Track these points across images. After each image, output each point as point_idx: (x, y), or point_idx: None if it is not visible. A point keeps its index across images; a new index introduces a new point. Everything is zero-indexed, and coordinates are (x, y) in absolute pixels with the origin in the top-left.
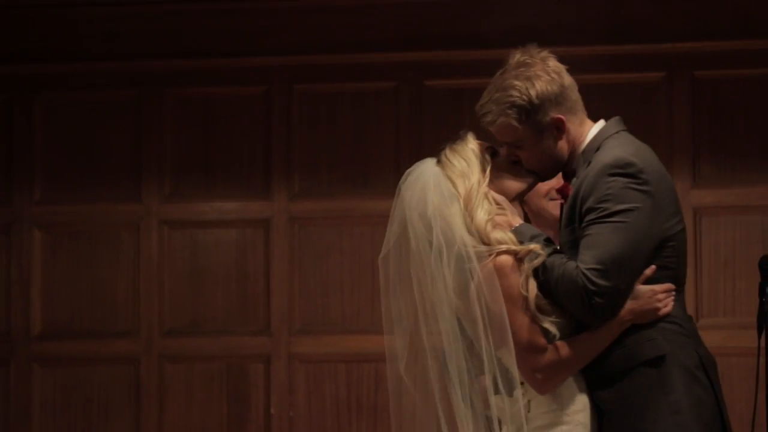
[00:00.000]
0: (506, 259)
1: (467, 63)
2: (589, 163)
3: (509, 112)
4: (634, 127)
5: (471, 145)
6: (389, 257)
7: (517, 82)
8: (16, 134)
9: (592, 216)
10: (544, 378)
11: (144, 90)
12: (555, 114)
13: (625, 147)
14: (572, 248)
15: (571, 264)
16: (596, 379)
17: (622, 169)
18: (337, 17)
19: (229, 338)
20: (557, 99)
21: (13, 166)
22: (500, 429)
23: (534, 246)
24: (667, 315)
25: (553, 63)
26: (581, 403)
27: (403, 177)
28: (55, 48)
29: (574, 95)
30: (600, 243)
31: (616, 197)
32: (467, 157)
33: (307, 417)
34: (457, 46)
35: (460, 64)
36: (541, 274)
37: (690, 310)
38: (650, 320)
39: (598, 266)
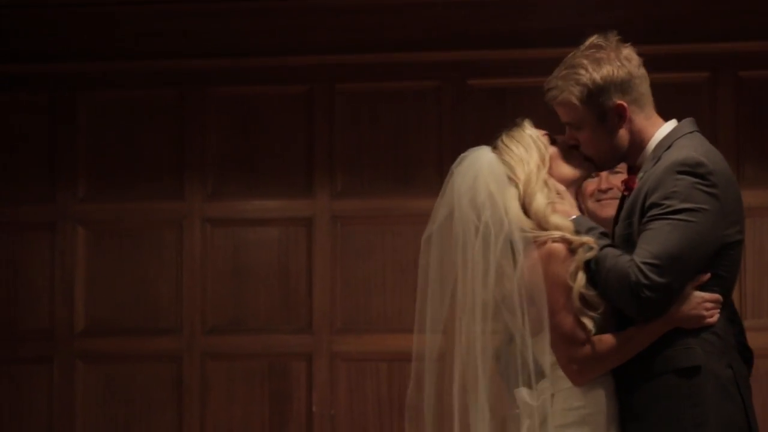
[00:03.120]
0: (559, 247)
1: (510, 62)
2: (658, 159)
3: (573, 89)
4: None
5: (528, 131)
6: (431, 239)
7: (585, 61)
8: (60, 133)
9: (655, 211)
10: (579, 369)
11: (187, 89)
12: (618, 100)
13: (696, 147)
14: (626, 242)
15: (625, 257)
16: (628, 382)
17: (692, 168)
18: (380, 16)
19: (271, 336)
20: (623, 86)
21: (57, 164)
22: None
23: (588, 239)
24: (711, 326)
25: (626, 51)
26: (604, 405)
27: (457, 161)
28: (99, 47)
29: (644, 88)
30: (659, 239)
31: (682, 195)
32: (525, 142)
33: (349, 415)
34: (500, 45)
35: (503, 63)
36: (593, 265)
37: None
38: (693, 327)
39: (654, 261)
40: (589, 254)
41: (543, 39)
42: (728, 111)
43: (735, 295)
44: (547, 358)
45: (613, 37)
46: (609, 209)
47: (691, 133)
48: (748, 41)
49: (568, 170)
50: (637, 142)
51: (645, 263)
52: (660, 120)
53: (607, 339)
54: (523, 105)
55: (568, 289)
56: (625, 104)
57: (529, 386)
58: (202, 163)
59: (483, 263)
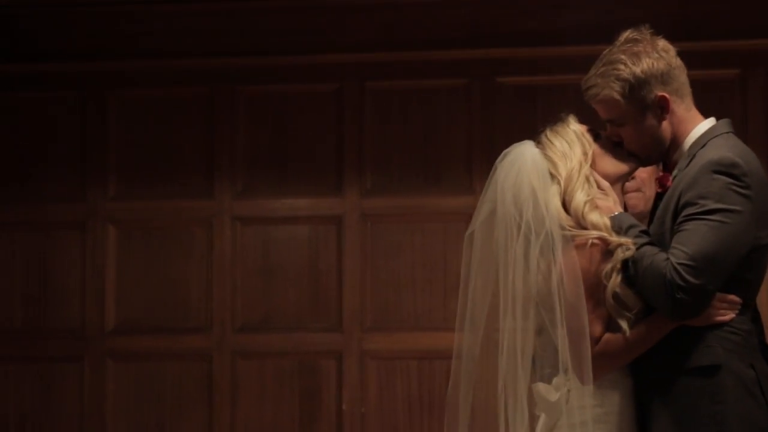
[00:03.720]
0: (596, 247)
1: (539, 60)
2: (693, 157)
3: (613, 85)
4: None
5: (573, 126)
6: (474, 236)
7: (623, 56)
8: (90, 131)
9: (690, 210)
10: (589, 367)
11: (216, 87)
12: (660, 92)
13: (732, 148)
14: (659, 241)
15: (661, 256)
16: (648, 380)
17: (727, 169)
18: (409, 14)
19: (301, 335)
20: (663, 77)
21: (87, 162)
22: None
23: (626, 240)
24: (726, 324)
25: (662, 43)
26: (618, 405)
27: (500, 157)
28: (129, 45)
29: (683, 78)
30: (695, 240)
31: (717, 195)
32: (569, 138)
33: (379, 414)
34: (530, 43)
35: (533, 60)
36: (630, 263)
37: (764, 314)
38: (703, 324)
39: (690, 262)
40: (627, 254)
41: (572, 36)
42: (759, 108)
43: (765, 299)
44: (569, 355)
45: (647, 30)
46: (634, 200)
47: (726, 133)
48: None
49: (612, 166)
50: (677, 136)
51: (681, 264)
52: (699, 115)
53: (617, 337)
54: (553, 103)
55: (597, 288)
56: (667, 95)
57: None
58: (231, 162)
59: (524, 261)
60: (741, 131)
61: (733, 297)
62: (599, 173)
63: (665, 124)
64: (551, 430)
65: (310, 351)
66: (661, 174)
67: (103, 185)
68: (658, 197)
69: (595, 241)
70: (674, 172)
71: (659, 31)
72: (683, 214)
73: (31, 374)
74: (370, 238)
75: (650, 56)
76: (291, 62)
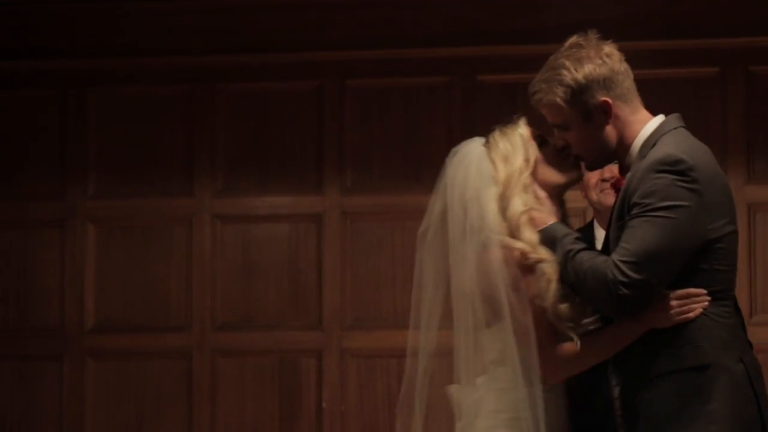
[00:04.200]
0: (520, 259)
1: (520, 58)
2: (644, 158)
3: (556, 90)
4: (688, 122)
5: (521, 129)
6: (427, 234)
7: (567, 62)
8: (70, 129)
9: (635, 210)
10: (553, 369)
11: (197, 85)
12: (602, 97)
13: (678, 144)
14: (617, 243)
15: (600, 258)
16: (637, 382)
17: (671, 166)
18: (390, 12)
19: (280, 333)
20: (606, 83)
21: (67, 160)
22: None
23: (546, 256)
24: (711, 319)
25: (608, 48)
26: (522, 411)
27: (450, 154)
28: (109, 43)
29: (627, 83)
30: (637, 236)
31: (661, 193)
32: (513, 141)
33: (359, 412)
34: (511, 41)
35: (513, 58)
36: (570, 270)
37: (743, 306)
38: (671, 324)
39: (632, 258)
40: (548, 268)
41: (554, 34)
42: (738, 106)
43: (744, 291)
44: (489, 355)
45: (593, 36)
46: (611, 198)
47: (675, 129)
48: (758, 36)
49: (553, 175)
50: (624, 139)
51: (623, 261)
52: (647, 115)
53: (583, 341)
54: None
55: (538, 300)
56: (609, 100)
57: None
58: (212, 160)
59: (470, 260)
60: (721, 129)
61: (693, 290)
62: (540, 181)
63: (609, 129)
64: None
65: (290, 349)
66: (616, 178)
67: (82, 183)
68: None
69: (518, 255)
70: (628, 175)
71: (641, 30)
72: (630, 214)
73: (10, 373)
74: (350, 236)
75: (593, 62)
76: (272, 60)
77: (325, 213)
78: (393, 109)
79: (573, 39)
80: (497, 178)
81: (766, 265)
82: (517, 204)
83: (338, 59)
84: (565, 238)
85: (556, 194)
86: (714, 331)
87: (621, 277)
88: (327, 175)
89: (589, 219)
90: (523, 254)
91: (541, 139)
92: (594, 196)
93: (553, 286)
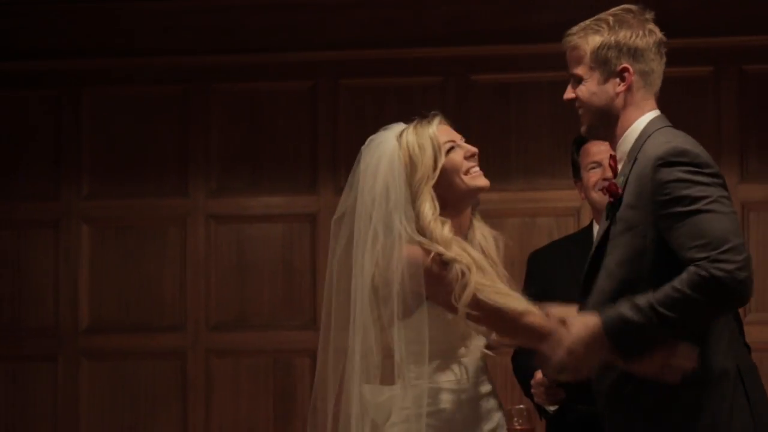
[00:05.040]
0: (433, 259)
1: (514, 58)
2: (635, 161)
3: (588, 38)
4: (682, 121)
5: (432, 130)
6: (340, 225)
7: (610, 19)
8: (64, 129)
9: (672, 208)
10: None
11: (191, 85)
12: (626, 64)
13: (675, 137)
14: (633, 254)
15: (678, 279)
16: (635, 394)
17: (680, 157)
18: (384, 12)
19: (275, 332)
20: (636, 53)
21: (61, 161)
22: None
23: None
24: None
25: (651, 26)
26: (422, 407)
27: (366, 142)
28: (103, 43)
29: (655, 66)
30: (705, 229)
31: (687, 183)
32: (423, 143)
33: None
34: (504, 40)
35: (507, 58)
36: (666, 315)
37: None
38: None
39: (722, 247)
40: (466, 272)
41: (547, 34)
42: (732, 105)
43: None
44: (398, 352)
45: (645, 10)
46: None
47: (662, 128)
48: (752, 35)
49: (459, 183)
50: (623, 121)
51: (719, 253)
52: (653, 106)
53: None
54: (527, 100)
55: (438, 292)
56: (631, 69)
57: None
58: (206, 160)
59: (372, 253)
60: (714, 128)
61: (680, 361)
62: (444, 185)
63: (619, 99)
64: (376, 429)
65: (285, 349)
66: (607, 183)
67: (77, 184)
68: (610, 205)
69: (435, 256)
70: (619, 179)
71: None
72: (665, 217)
73: (4, 373)
74: None
75: (634, 29)
76: (266, 60)
77: (320, 213)
78: (387, 108)
79: (626, 5)
80: (408, 177)
81: (760, 264)
82: (427, 208)
83: (332, 59)
84: (628, 309)
85: (462, 201)
86: (709, 338)
87: (730, 266)
88: (321, 174)
89: (585, 219)
90: (438, 254)
91: (451, 145)
92: (594, 195)
93: (469, 291)
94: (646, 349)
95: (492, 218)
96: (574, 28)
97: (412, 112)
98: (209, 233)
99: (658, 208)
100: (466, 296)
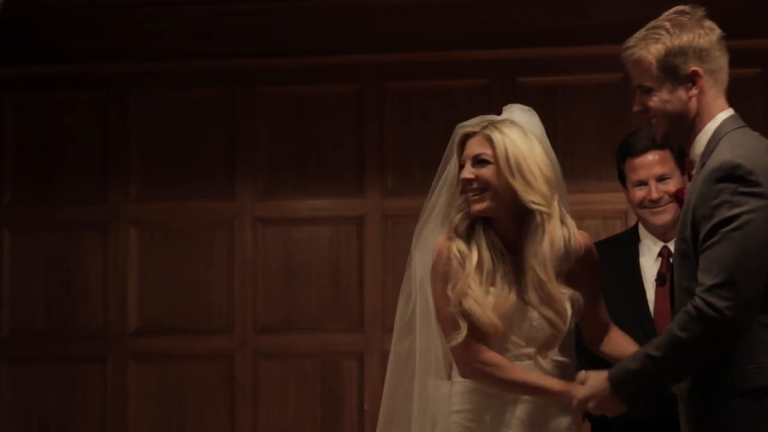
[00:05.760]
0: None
1: (560, 60)
2: (703, 166)
3: (651, 48)
4: None
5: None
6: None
7: (667, 24)
8: (112, 133)
9: (704, 233)
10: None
11: (238, 88)
12: (695, 66)
13: (734, 148)
14: (683, 258)
15: (675, 321)
16: (697, 405)
17: (729, 173)
18: (430, 14)
19: (322, 335)
20: (702, 54)
21: (109, 164)
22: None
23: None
24: (759, 335)
25: (709, 23)
26: (486, 416)
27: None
28: (150, 47)
29: (722, 62)
30: (714, 260)
31: (725, 206)
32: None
33: None
34: (551, 43)
35: (554, 61)
36: (675, 357)
37: None
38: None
39: (718, 286)
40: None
41: (594, 36)
42: None
43: None
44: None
45: (699, 9)
46: (663, 216)
47: (732, 130)
48: None
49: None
50: (697, 123)
51: (711, 292)
52: (724, 104)
53: (493, 358)
54: (573, 102)
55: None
56: (700, 71)
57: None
58: (253, 163)
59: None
60: (763, 130)
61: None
62: None
63: (693, 102)
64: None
65: (332, 351)
66: (677, 189)
67: (124, 187)
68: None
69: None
70: (689, 186)
71: None
72: (702, 233)
73: (54, 375)
74: (391, 238)
75: (693, 30)
76: (312, 63)
77: (366, 215)
78: (433, 111)
79: (679, 6)
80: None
81: None
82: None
83: (378, 62)
84: (631, 359)
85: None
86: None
87: (713, 311)
88: (368, 177)
89: (632, 221)
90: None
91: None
92: (639, 212)
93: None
94: (651, 396)
95: None
96: (631, 41)
97: (458, 114)
98: (256, 236)
99: (699, 221)
100: (475, 297)
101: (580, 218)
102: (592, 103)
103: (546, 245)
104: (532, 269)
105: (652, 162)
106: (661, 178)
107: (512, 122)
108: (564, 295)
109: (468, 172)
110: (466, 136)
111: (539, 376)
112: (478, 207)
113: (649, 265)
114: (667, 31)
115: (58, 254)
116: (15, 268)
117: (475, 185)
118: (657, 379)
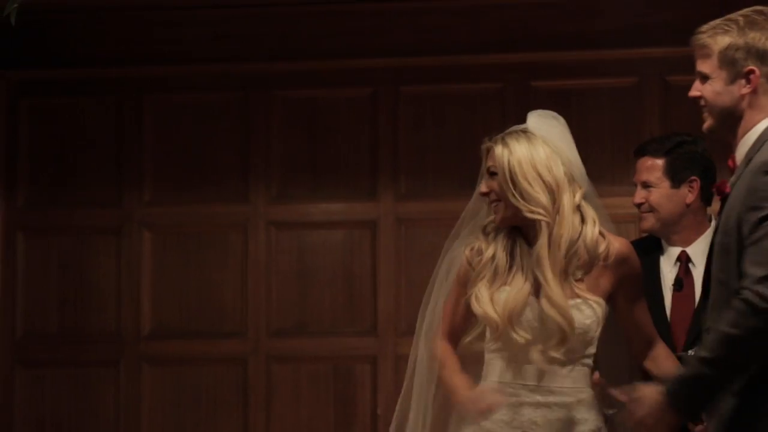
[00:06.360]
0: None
1: (574, 64)
2: (749, 162)
3: (718, 38)
4: None
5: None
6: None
7: (740, 19)
8: (126, 136)
9: (750, 218)
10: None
11: (251, 92)
12: (753, 66)
13: None
14: (724, 251)
15: (723, 317)
16: (753, 411)
17: None
18: (443, 19)
19: (335, 339)
20: (764, 56)
21: (123, 167)
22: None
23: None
24: None
25: None
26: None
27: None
28: (164, 50)
29: None
30: (765, 250)
31: None
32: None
33: None
34: (564, 46)
35: (567, 64)
36: (724, 355)
37: None
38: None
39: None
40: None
41: (607, 40)
42: None
43: None
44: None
45: None
46: (643, 222)
47: None
48: None
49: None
50: (745, 122)
51: (763, 278)
52: None
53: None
54: (587, 106)
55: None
56: (758, 71)
57: None
58: (266, 166)
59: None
60: None
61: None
62: None
63: (744, 101)
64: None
65: (345, 355)
66: (720, 181)
67: (138, 190)
68: (722, 202)
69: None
70: (732, 179)
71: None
72: (748, 223)
73: (67, 378)
74: (405, 243)
75: (762, 31)
76: (326, 67)
77: (380, 219)
78: (447, 115)
79: (757, 6)
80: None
81: None
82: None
83: (392, 66)
84: (692, 375)
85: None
86: None
87: (765, 302)
88: (381, 181)
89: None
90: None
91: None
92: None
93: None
94: (709, 403)
95: None
96: (704, 27)
97: (472, 119)
98: (270, 240)
99: (744, 212)
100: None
101: None
102: (606, 107)
103: (543, 249)
104: (533, 272)
105: (641, 167)
106: (645, 185)
107: (524, 131)
108: (578, 300)
109: (483, 186)
110: (488, 149)
111: (457, 380)
112: (496, 217)
113: (668, 270)
114: (738, 25)
115: (72, 257)
116: (29, 271)
117: (492, 197)
118: (712, 382)
